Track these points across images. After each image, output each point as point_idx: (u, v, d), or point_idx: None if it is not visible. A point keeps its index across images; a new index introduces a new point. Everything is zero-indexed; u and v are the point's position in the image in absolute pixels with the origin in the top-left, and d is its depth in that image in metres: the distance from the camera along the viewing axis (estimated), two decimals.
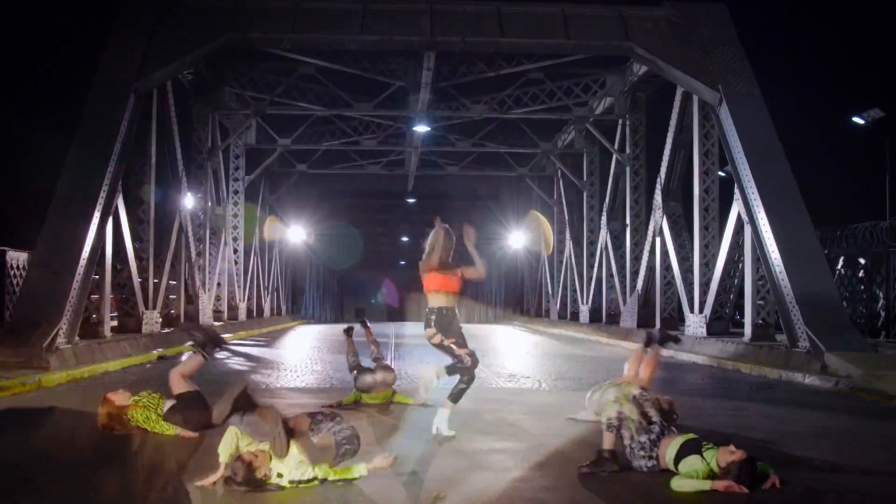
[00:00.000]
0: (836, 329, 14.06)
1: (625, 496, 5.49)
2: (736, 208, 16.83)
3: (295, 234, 38.75)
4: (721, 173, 19.92)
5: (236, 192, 28.12)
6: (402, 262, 64.23)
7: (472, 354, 7.48)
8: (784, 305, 14.90)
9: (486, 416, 8.65)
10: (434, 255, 7.52)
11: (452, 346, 7.42)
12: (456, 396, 7.49)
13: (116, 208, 15.89)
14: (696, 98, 18.57)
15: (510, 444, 7.20)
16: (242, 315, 28.09)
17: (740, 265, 17.44)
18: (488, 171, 34.77)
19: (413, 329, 25.38)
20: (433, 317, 7.48)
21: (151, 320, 17.73)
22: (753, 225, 15.92)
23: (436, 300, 7.53)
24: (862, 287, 23.03)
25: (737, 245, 17.25)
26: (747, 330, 16.68)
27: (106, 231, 15.36)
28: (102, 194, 15.06)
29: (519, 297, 43.74)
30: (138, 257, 17.49)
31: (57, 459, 6.51)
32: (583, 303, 29.14)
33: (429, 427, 7.45)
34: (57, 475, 5.89)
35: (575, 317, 30.31)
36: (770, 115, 16.87)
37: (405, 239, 57.88)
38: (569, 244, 31.27)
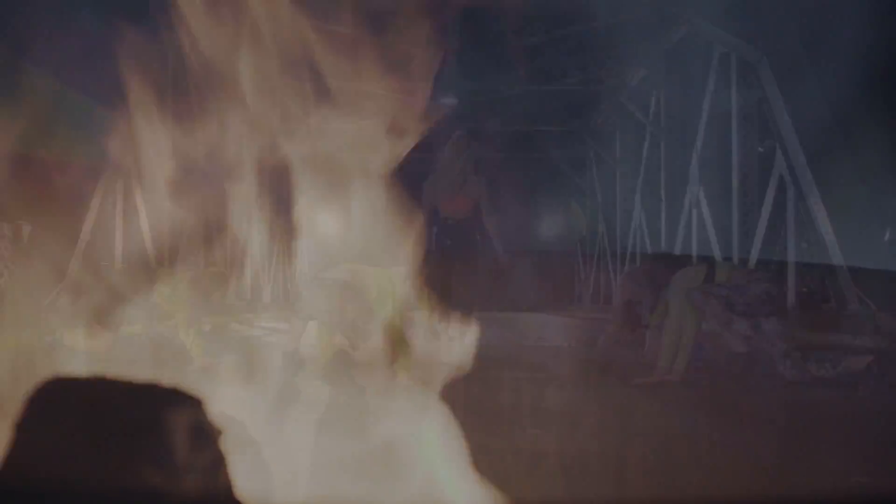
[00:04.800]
0: (888, 289, 13.18)
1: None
2: (778, 169, 15.96)
3: None
4: (760, 149, 19.02)
5: None
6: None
7: None
8: (831, 267, 14.01)
9: (503, 357, 7.95)
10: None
11: None
12: None
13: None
14: (734, 59, 17.71)
15: (527, 373, 6.48)
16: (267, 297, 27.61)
17: (782, 231, 16.53)
18: (518, 155, 33.84)
19: None
20: None
21: None
22: (797, 185, 15.03)
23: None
24: None
25: (778, 209, 16.36)
26: (790, 297, 15.78)
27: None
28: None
29: None
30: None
31: None
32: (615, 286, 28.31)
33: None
34: None
35: (608, 300, 29.44)
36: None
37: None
38: (601, 227, 30.43)
